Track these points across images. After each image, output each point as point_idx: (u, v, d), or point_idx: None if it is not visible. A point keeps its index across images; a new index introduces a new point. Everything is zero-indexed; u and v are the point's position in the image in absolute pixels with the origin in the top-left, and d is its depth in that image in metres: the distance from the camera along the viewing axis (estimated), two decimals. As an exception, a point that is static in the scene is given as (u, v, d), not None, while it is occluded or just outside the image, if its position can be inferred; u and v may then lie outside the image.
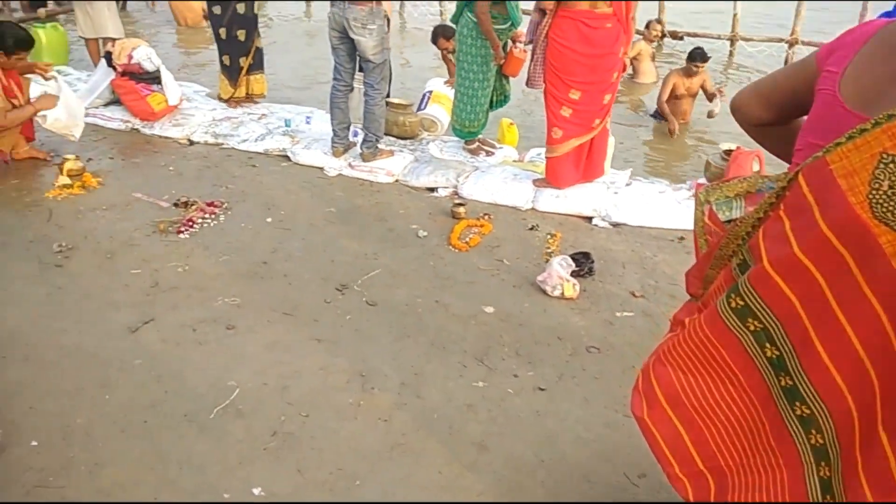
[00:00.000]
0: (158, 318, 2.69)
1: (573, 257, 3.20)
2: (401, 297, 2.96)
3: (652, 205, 3.91)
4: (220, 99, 5.51)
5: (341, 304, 2.89)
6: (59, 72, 4.68)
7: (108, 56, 4.82)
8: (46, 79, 4.11)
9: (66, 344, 2.51)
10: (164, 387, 2.31)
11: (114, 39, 6.10)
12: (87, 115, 4.61)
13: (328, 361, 2.52)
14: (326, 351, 2.58)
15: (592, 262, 3.26)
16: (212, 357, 2.49)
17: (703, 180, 4.14)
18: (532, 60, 3.80)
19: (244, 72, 5.39)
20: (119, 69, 4.75)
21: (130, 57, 4.76)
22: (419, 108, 5.27)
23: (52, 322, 2.63)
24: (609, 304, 3.01)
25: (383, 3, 3.99)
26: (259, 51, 5.42)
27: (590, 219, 3.88)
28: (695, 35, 8.80)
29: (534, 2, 3.83)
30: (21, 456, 1.99)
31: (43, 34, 6.10)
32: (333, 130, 4.33)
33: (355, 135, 4.51)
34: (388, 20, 4.09)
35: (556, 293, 3.03)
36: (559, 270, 3.06)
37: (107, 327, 2.62)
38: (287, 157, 4.45)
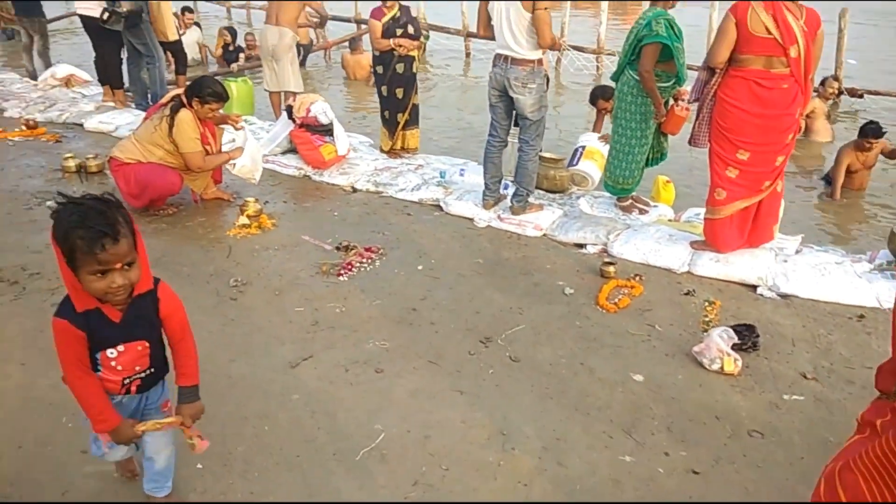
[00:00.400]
0: (316, 355, 2.86)
1: (735, 329, 2.98)
2: (544, 356, 2.92)
3: (827, 276, 3.56)
4: (381, 150, 5.89)
5: (484, 357, 2.90)
6: (245, 121, 5.24)
7: (290, 109, 5.32)
8: (237, 129, 4.62)
9: (234, 374, 2.74)
10: (317, 423, 2.43)
11: (294, 93, 6.78)
12: (266, 161, 5.11)
13: (469, 415, 2.52)
14: (468, 404, 2.59)
15: (757, 335, 3.02)
16: (361, 398, 2.59)
17: (886, 253, 3.71)
18: (697, 119, 3.66)
19: (400, 126, 5.75)
20: (298, 121, 5.22)
21: (308, 110, 5.22)
22: (570, 163, 5.26)
23: (224, 352, 2.87)
24: (775, 385, 2.75)
25: (544, 61, 4.07)
26: (415, 107, 5.75)
27: (754, 287, 3.61)
28: (875, 93, 8.07)
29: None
30: (187, 477, 2.16)
31: (234, 87, 6.88)
32: (485, 184, 4.44)
33: (506, 187, 4.59)
34: (548, 79, 4.15)
35: (715, 367, 2.83)
36: (719, 342, 2.86)
37: (271, 361, 2.82)
38: (440, 207, 4.61)
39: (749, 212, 3.69)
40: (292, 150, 5.48)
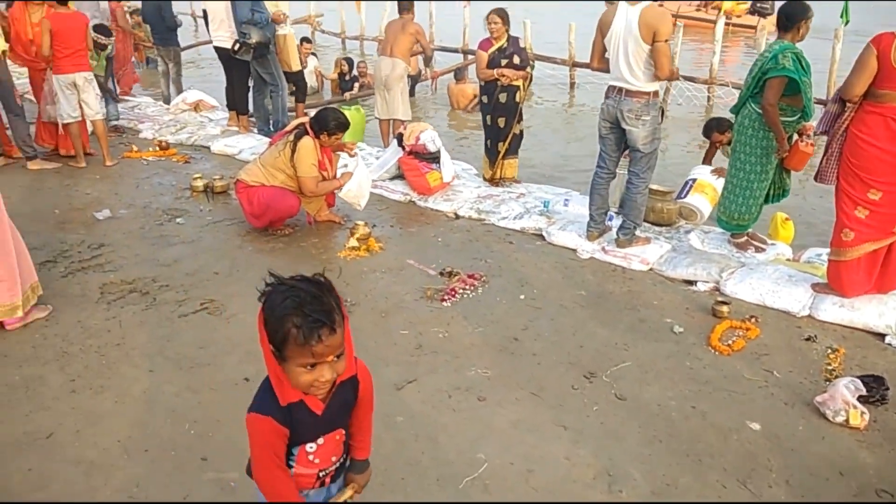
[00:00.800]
0: (420, 379, 2.91)
1: (862, 380, 2.77)
2: (652, 396, 2.82)
3: (972, 329, 3.24)
4: (484, 178, 5.96)
5: (588, 392, 2.84)
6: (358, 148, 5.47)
7: (400, 137, 5.50)
8: (351, 156, 4.83)
9: (342, 390, 2.83)
10: (420, 447, 2.47)
11: (402, 121, 7.02)
12: (374, 186, 5.30)
13: (573, 451, 2.47)
14: (571, 440, 2.54)
15: (886, 388, 2.79)
16: (463, 425, 2.60)
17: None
18: (826, 154, 3.46)
19: (500, 155, 5.80)
20: (407, 148, 5.39)
21: (418, 138, 5.38)
22: (679, 196, 5.09)
23: (333, 368, 2.98)
24: (910, 445, 2.52)
25: (659, 93, 4.00)
26: (516, 137, 5.80)
27: (882, 336, 3.34)
28: None
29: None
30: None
31: (347, 114, 7.19)
32: (590, 214, 4.38)
33: (610, 219, 4.51)
34: (663, 112, 4.07)
35: (839, 419, 2.63)
36: (845, 393, 2.66)
37: (377, 382, 2.85)
38: (542, 237, 4.59)
39: (878, 255, 3.43)
40: (399, 176, 5.66)
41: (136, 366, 2.93)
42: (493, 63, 5.55)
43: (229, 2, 6.20)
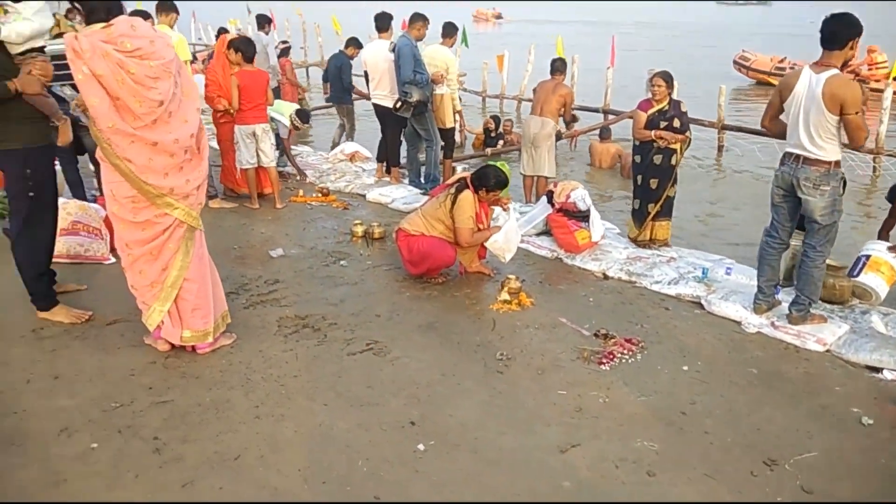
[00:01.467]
0: (584, 444, 2.84)
1: None
2: (845, 493, 2.57)
3: None
4: (629, 238, 5.85)
5: (771, 481, 2.63)
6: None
7: (550, 194, 5.55)
8: (505, 210, 4.92)
9: (503, 446, 2.82)
10: (592, 517, 2.39)
11: (547, 178, 7.09)
12: (521, 241, 5.34)
13: (756, 544, 2.29)
14: (753, 530, 2.36)
15: None
16: (635, 500, 2.49)
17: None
18: None
19: (650, 217, 5.67)
20: (557, 205, 5.42)
21: (568, 196, 5.39)
22: (851, 273, 4.70)
23: (493, 423, 2.98)
24: None
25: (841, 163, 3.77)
26: (669, 199, 5.67)
27: None
28: None
29: None
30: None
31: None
32: (759, 286, 4.15)
33: (777, 292, 4.25)
34: (845, 182, 3.83)
35: None
36: None
37: (537, 441, 2.87)
38: (700, 305, 4.40)
39: None
40: (546, 232, 5.68)
41: (311, 398, 3.10)
42: (651, 124, 5.52)
43: (392, 63, 6.63)
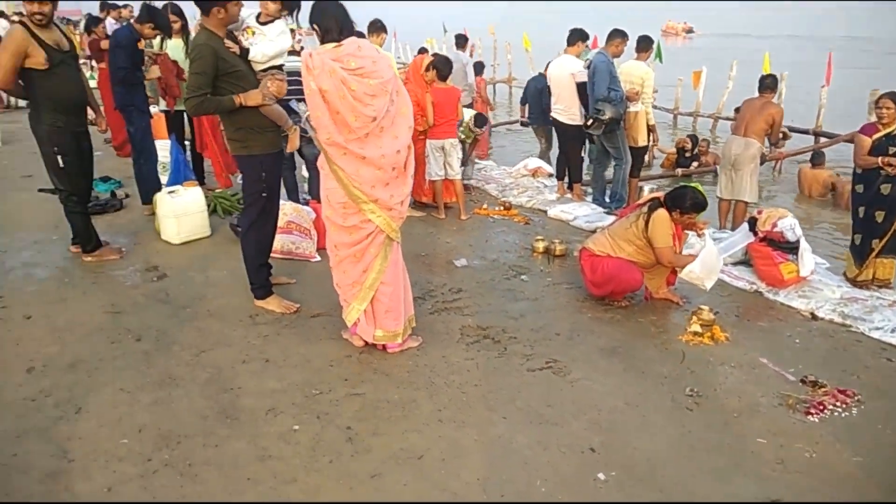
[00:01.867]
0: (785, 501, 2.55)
1: None
2: None
3: None
4: (846, 277, 5.22)
5: None
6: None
7: (753, 221, 5.11)
8: (699, 236, 4.62)
9: (695, 492, 2.62)
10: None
11: (747, 203, 6.57)
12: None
13: None
14: None
15: None
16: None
17: None
18: None
19: (874, 253, 5.01)
20: (760, 234, 4.98)
21: (775, 224, 4.93)
22: None
23: (686, 465, 2.77)
24: None
25: None
26: None
27: None
28: None
29: None
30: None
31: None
32: None
33: None
34: None
35: None
36: None
37: (733, 490, 2.63)
38: (935, 360, 3.78)
39: None
40: (744, 262, 5.24)
41: (491, 409, 3.13)
42: (877, 150, 4.93)
43: (583, 81, 6.54)
